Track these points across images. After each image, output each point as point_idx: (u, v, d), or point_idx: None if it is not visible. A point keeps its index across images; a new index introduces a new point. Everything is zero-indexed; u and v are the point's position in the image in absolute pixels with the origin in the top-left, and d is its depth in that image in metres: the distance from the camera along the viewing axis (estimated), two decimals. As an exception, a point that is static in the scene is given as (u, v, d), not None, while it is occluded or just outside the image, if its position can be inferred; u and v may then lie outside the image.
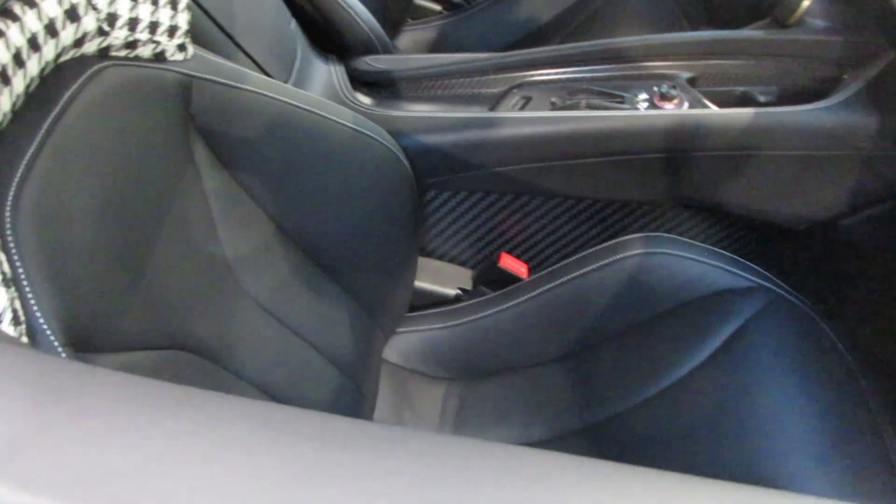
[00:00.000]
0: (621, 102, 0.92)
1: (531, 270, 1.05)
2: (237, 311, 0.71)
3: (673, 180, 0.93)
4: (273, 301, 0.75)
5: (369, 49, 1.10)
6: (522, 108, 0.96)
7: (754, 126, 0.88)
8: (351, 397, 0.86)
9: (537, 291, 0.96)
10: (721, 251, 0.93)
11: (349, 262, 0.85)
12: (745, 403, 0.79)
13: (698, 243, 0.93)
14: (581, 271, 0.94)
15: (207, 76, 0.66)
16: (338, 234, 0.83)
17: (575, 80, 0.98)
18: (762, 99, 0.95)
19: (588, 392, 0.91)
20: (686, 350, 0.87)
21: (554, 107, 0.94)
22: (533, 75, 1.00)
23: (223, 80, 0.68)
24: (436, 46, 1.67)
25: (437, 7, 1.78)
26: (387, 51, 1.12)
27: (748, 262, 0.92)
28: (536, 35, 1.62)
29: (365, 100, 1.01)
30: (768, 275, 0.92)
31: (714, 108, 0.90)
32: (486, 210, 1.01)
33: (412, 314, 1.02)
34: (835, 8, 0.95)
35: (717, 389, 0.82)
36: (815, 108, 0.89)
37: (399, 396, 0.98)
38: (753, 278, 0.90)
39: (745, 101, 0.96)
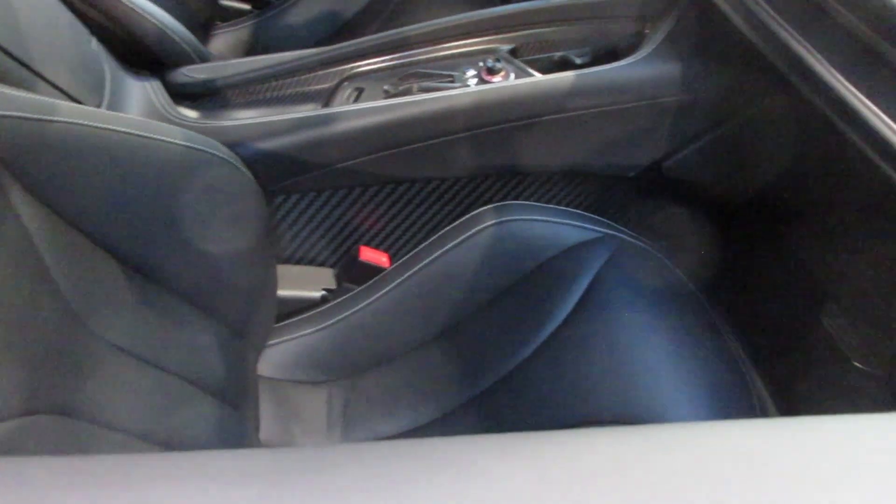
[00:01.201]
0: (452, 82, 0.94)
1: (392, 259, 1.05)
2: (93, 359, 0.65)
3: (512, 149, 0.97)
4: (131, 340, 0.70)
5: (184, 59, 1.04)
6: (356, 100, 0.95)
7: (575, 88, 0.94)
8: (234, 423, 0.83)
9: (402, 278, 0.97)
10: (568, 209, 0.99)
11: (204, 284, 0.82)
12: (610, 348, 0.85)
13: (546, 205, 0.98)
14: (441, 250, 0.96)
15: (9, 113, 0.60)
16: (186, 258, 0.79)
17: (403, 65, 0.99)
18: (578, 61, 1.01)
19: (469, 364, 0.94)
20: (551, 307, 0.92)
21: (387, 95, 0.94)
22: (361, 66, 0.99)
23: (29, 115, 0.62)
24: (252, 47, 1.62)
25: (246, 6, 1.72)
26: (203, 59, 1.07)
27: (593, 216, 0.98)
28: (353, 24, 1.61)
29: (190, 113, 0.96)
30: (612, 223, 0.98)
31: (538, 76, 0.94)
32: (337, 207, 1.00)
33: (280, 324, 1.00)
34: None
35: (584, 339, 0.87)
36: (625, 64, 0.95)
37: (282, 410, 0.95)
38: (600, 228, 0.96)
39: (563, 65, 1.01)
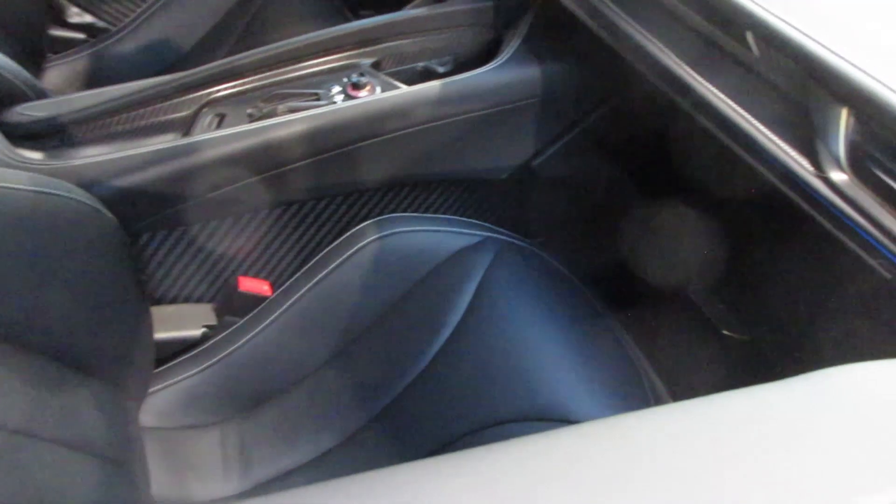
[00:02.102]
0: (317, 99, 0.93)
1: (274, 286, 1.02)
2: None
3: (386, 162, 0.96)
4: (-4, 412, 0.63)
5: (18, 97, 0.96)
6: (219, 126, 0.91)
7: (441, 96, 0.95)
8: (121, 483, 0.77)
9: (286, 305, 0.94)
10: (447, 216, 0.99)
11: (72, 339, 0.75)
12: (506, 349, 0.87)
13: (425, 215, 0.98)
14: (324, 271, 0.94)
15: None
16: (48, 314, 0.72)
17: (265, 86, 0.96)
18: (441, 70, 1.02)
19: (366, 384, 0.92)
20: (442, 315, 0.92)
21: (252, 118, 0.91)
22: (220, 90, 0.95)
23: None
24: (92, 79, 1.51)
25: (80, 35, 1.60)
26: (40, 95, 0.98)
27: (473, 220, 1.00)
28: (201, 49, 1.54)
29: (34, 155, 0.88)
30: (492, 226, 1.00)
31: (404, 87, 0.95)
32: (210, 239, 0.95)
33: (160, 369, 0.94)
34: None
35: (480, 343, 0.88)
36: (486, 70, 0.98)
37: (173, 460, 0.90)
38: (480, 232, 0.98)
39: (427, 74, 1.02)
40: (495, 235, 0.99)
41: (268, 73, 0.96)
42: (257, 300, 0.98)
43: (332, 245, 0.96)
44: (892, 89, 0.55)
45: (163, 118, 0.95)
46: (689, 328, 1.01)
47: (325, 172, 0.93)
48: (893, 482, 0.34)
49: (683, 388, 0.91)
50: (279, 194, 0.94)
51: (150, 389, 0.91)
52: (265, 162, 0.89)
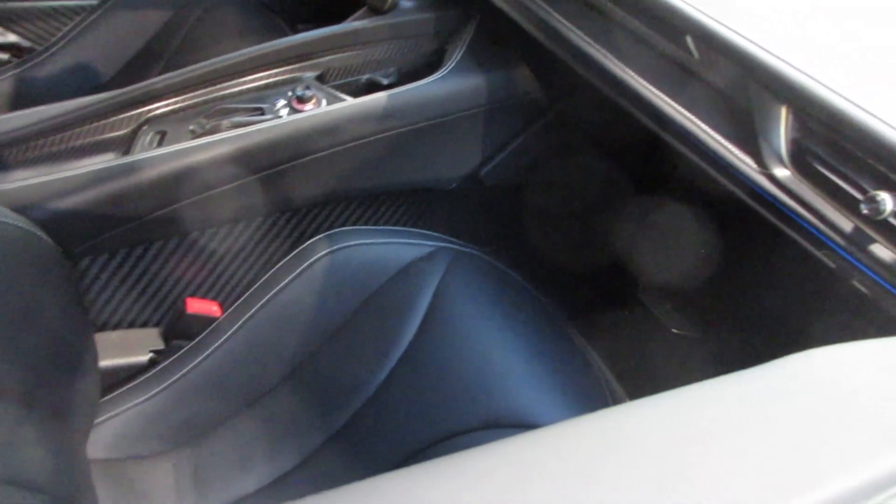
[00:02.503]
0: (262, 114, 0.91)
1: (223, 306, 0.99)
2: None
3: (334, 176, 0.95)
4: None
5: (-59, 119, 0.91)
6: (160, 144, 0.89)
7: (387, 108, 0.94)
8: (71, 519, 0.73)
9: (237, 325, 0.92)
10: (398, 228, 0.99)
11: (11, 371, 0.71)
12: (464, 358, 0.86)
13: (376, 227, 0.97)
14: (275, 289, 0.92)
15: None
16: None
17: (207, 102, 0.94)
18: (385, 82, 1.02)
19: (322, 402, 0.90)
20: (398, 328, 0.91)
21: (195, 135, 0.89)
22: (161, 107, 0.93)
23: None
24: (18, 99, 1.45)
25: (3, 55, 1.54)
26: (-35, 117, 0.94)
27: (424, 231, 0.99)
28: (131, 68, 1.50)
29: None
30: (443, 236, 1.00)
31: (350, 99, 0.94)
32: (154, 261, 0.92)
33: (106, 398, 0.90)
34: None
35: (437, 353, 0.88)
36: (431, 81, 0.98)
37: (124, 492, 0.86)
38: (432, 243, 0.98)
39: (371, 86, 1.02)
40: (447, 245, 0.99)
41: (210, 89, 0.94)
42: (206, 322, 0.95)
43: (282, 262, 0.94)
44: (828, 87, 0.57)
45: (100, 137, 0.92)
46: (642, 329, 1.03)
47: (272, 188, 0.91)
48: (862, 459, 0.35)
49: (640, 387, 0.92)
50: (226, 211, 0.92)
51: (97, 420, 0.87)
52: (210, 179, 0.86)
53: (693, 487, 0.34)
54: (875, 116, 0.55)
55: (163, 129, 0.91)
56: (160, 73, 0.96)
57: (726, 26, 0.64)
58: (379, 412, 0.87)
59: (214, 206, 0.90)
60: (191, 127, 0.90)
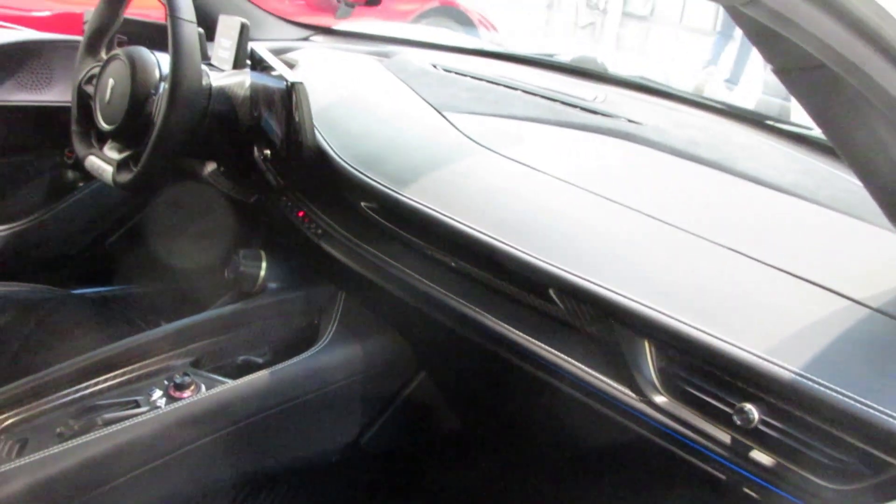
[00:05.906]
0: (137, 406, 0.87)
1: None
2: None
3: (217, 464, 0.91)
4: None
5: None
6: (20, 454, 0.80)
7: (268, 386, 0.94)
8: None
9: None
10: None
11: None
12: None
13: None
14: None
15: None
16: None
17: (74, 402, 0.88)
18: (261, 361, 1.03)
19: None
20: None
21: (63, 437, 0.81)
22: (19, 413, 0.85)
23: None
24: None
25: None
26: None
27: None
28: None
29: None
30: None
31: (230, 381, 0.93)
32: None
33: None
34: (282, 269, 1.11)
35: None
36: (308, 356, 1.00)
37: None
38: None
39: (247, 367, 1.01)
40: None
41: (78, 387, 0.89)
42: None
43: None
44: (679, 319, 0.67)
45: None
46: None
47: (153, 485, 0.84)
48: None
49: None
50: None
51: None
52: (86, 483, 0.78)
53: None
54: (723, 340, 0.64)
55: (23, 437, 0.83)
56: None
57: (584, 278, 0.73)
58: None
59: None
60: (58, 430, 0.83)
